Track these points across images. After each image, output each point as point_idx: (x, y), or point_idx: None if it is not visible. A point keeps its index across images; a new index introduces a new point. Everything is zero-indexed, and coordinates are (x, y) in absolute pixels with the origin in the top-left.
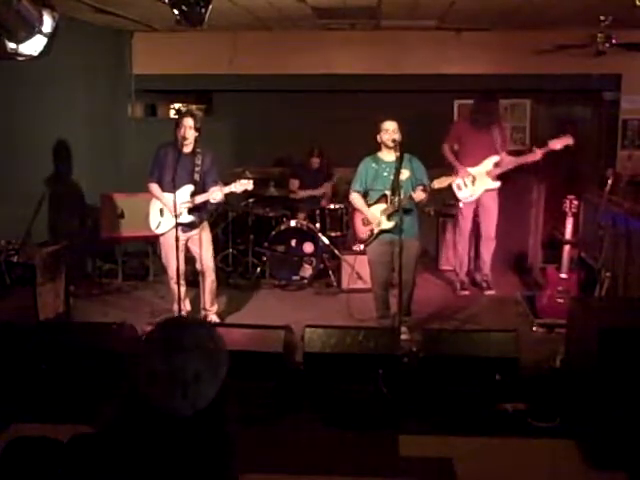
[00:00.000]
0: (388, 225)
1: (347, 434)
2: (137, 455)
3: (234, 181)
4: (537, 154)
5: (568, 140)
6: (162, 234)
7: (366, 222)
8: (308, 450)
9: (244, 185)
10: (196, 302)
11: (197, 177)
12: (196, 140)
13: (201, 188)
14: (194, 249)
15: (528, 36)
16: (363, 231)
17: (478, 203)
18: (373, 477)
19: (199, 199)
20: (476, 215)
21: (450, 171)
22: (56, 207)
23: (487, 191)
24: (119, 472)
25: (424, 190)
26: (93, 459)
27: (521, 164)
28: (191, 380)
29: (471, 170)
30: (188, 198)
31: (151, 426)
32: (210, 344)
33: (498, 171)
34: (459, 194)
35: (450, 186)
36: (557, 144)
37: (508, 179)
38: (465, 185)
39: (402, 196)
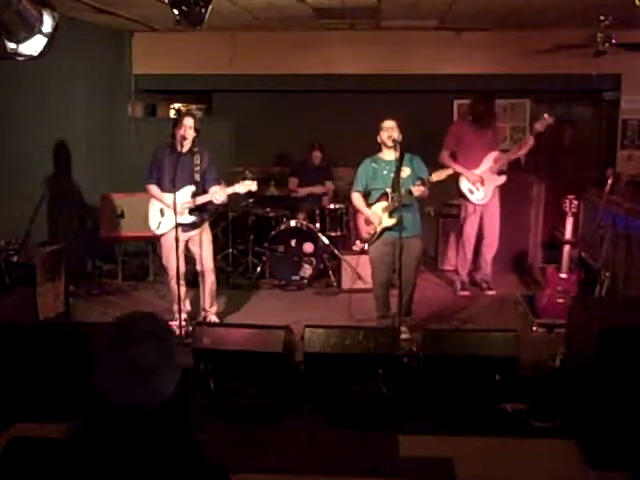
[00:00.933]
0: (389, 222)
1: (347, 434)
2: (109, 455)
3: (236, 181)
4: (530, 141)
5: (549, 120)
6: (162, 234)
7: (368, 222)
8: (308, 450)
9: (248, 186)
10: (196, 302)
11: (197, 177)
12: (194, 141)
13: (201, 188)
14: (194, 249)
15: (528, 36)
16: (366, 230)
17: (483, 208)
18: (373, 477)
19: (201, 200)
20: (480, 218)
21: (456, 176)
22: (56, 207)
23: (496, 188)
24: (92, 475)
25: (422, 184)
26: (65, 464)
27: (518, 156)
28: (149, 370)
29: (477, 172)
30: (189, 199)
31: (118, 424)
32: (160, 332)
33: (498, 166)
34: (472, 198)
35: (448, 178)
36: (539, 126)
37: (508, 179)
38: (477, 189)
39: (403, 194)
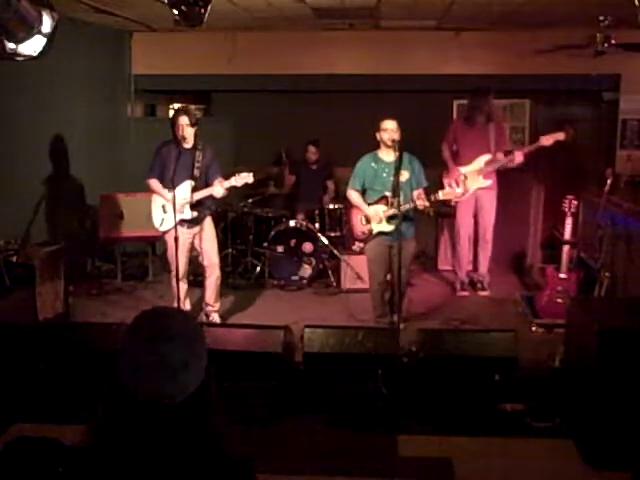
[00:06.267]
0: (387, 228)
1: (347, 434)
2: (131, 448)
3: (233, 175)
4: (519, 157)
5: (559, 136)
6: (166, 231)
7: (364, 221)
8: (308, 450)
9: (244, 178)
10: (196, 302)
11: (197, 172)
12: (196, 135)
13: (202, 183)
14: (198, 245)
15: (528, 36)
16: (360, 230)
17: (476, 204)
18: (373, 477)
19: (199, 195)
20: (474, 215)
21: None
22: (55, 207)
23: (479, 189)
24: (115, 470)
25: (429, 200)
26: (87, 461)
27: (506, 167)
28: (180, 367)
29: (462, 169)
30: (188, 194)
31: (141, 417)
32: (192, 331)
33: (489, 169)
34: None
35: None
36: (548, 140)
37: (507, 179)
38: (457, 185)
39: (402, 198)
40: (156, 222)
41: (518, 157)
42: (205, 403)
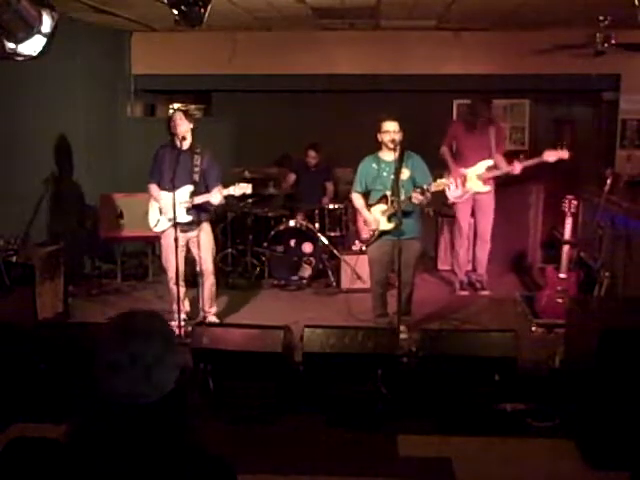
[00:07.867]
0: (388, 227)
1: (347, 434)
2: (106, 448)
3: (233, 183)
4: (516, 168)
5: (564, 154)
6: (161, 232)
7: (367, 222)
8: (308, 450)
9: (243, 189)
10: (195, 303)
11: (196, 177)
12: (193, 136)
13: (201, 188)
14: (194, 250)
15: (528, 36)
16: (366, 231)
17: (474, 203)
18: (373, 477)
19: (198, 200)
20: (473, 215)
21: (448, 171)
22: (55, 207)
23: (477, 194)
24: (92, 470)
25: (422, 193)
26: (65, 462)
27: (505, 174)
28: (153, 363)
29: (463, 171)
30: (187, 198)
31: (118, 417)
32: (162, 329)
33: (489, 176)
34: (448, 193)
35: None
36: (551, 157)
37: (507, 179)
38: (456, 186)
39: (402, 197)
40: (151, 222)
41: (517, 169)
42: (182, 401)
